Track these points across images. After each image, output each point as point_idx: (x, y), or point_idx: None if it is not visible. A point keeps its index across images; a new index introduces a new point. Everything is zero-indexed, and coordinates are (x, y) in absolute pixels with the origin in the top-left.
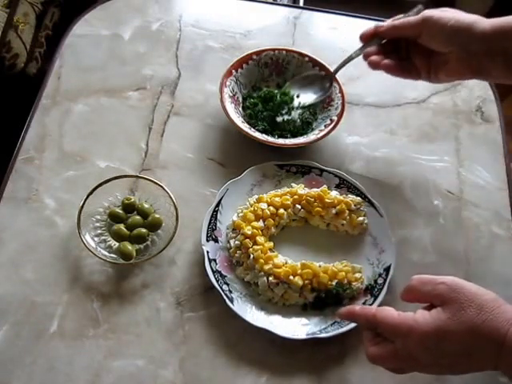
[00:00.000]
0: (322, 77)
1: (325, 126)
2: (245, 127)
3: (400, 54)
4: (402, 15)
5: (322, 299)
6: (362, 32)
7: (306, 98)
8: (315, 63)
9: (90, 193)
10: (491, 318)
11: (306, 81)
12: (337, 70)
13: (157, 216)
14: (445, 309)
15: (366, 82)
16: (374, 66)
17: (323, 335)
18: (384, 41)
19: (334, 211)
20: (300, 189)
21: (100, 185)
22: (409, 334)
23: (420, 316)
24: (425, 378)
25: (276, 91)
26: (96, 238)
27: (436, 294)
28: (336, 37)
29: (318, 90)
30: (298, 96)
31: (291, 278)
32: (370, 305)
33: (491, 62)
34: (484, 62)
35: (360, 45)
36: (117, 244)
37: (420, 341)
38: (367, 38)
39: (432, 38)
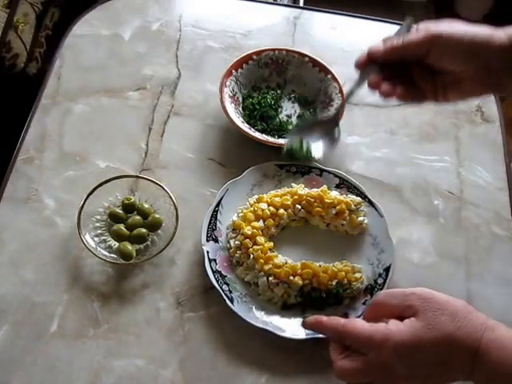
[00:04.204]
0: (325, 122)
1: None
2: (245, 127)
3: (401, 77)
4: (392, 36)
5: (322, 299)
6: (356, 59)
7: (315, 148)
8: (315, 63)
9: (90, 193)
10: (465, 325)
11: (309, 130)
12: (340, 113)
13: (157, 216)
14: (418, 318)
15: (366, 82)
16: (387, 95)
17: (323, 335)
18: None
19: (333, 211)
20: (300, 189)
21: (100, 185)
22: (383, 344)
23: (393, 326)
24: None
25: (276, 91)
26: (96, 238)
27: (408, 305)
28: (336, 37)
29: (325, 138)
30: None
31: (291, 278)
32: None
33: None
34: (504, 78)
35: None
36: (117, 244)
37: (395, 350)
38: (363, 65)
39: (445, 58)
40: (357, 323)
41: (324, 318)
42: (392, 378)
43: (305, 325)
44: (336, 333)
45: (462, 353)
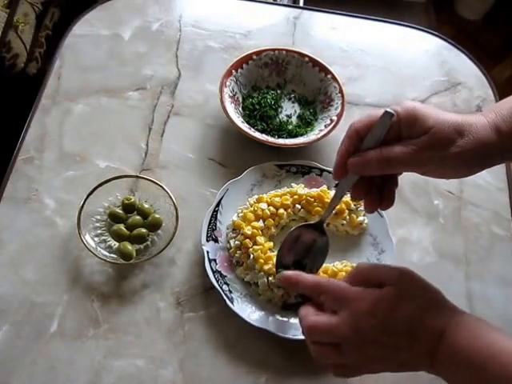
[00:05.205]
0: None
1: (325, 126)
2: (245, 127)
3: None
4: (368, 118)
5: None
6: (333, 167)
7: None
8: (315, 63)
9: (90, 193)
10: (437, 304)
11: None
12: (323, 220)
13: (157, 216)
14: (396, 287)
15: (365, 82)
16: (372, 211)
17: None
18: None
19: (333, 211)
20: (300, 189)
21: (100, 185)
22: (359, 299)
23: (371, 289)
24: (424, 376)
25: (276, 91)
26: (96, 238)
27: (389, 276)
28: (336, 37)
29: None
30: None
31: None
32: None
33: (507, 160)
34: (500, 162)
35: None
36: (117, 244)
37: (370, 306)
38: (341, 174)
39: (450, 174)
40: (338, 282)
41: (304, 274)
42: (360, 341)
43: (281, 278)
44: (318, 285)
45: (430, 327)
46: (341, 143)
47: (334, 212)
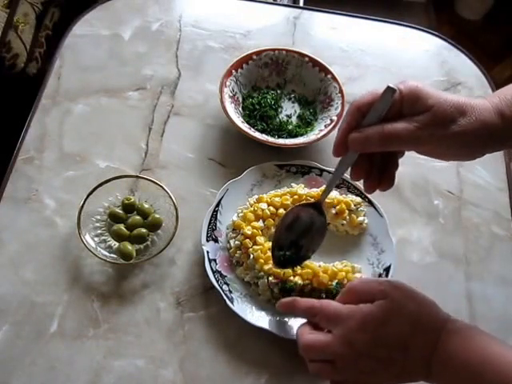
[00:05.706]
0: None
1: (325, 126)
2: (245, 127)
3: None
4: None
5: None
6: (334, 144)
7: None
8: (315, 63)
9: (90, 193)
10: (429, 313)
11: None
12: (323, 199)
13: (157, 216)
14: (387, 301)
15: (365, 82)
16: (372, 192)
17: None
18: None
19: (333, 211)
20: (300, 189)
21: (100, 185)
22: (350, 316)
23: (362, 305)
24: None
25: (276, 91)
26: (96, 238)
27: (380, 290)
28: (336, 37)
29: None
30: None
31: (291, 277)
32: None
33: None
34: (501, 149)
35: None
36: (117, 244)
37: (361, 322)
38: (341, 150)
39: (446, 154)
40: (332, 302)
41: (298, 298)
42: (354, 357)
43: (280, 305)
44: (312, 308)
45: (423, 338)
46: (342, 121)
47: (334, 212)
